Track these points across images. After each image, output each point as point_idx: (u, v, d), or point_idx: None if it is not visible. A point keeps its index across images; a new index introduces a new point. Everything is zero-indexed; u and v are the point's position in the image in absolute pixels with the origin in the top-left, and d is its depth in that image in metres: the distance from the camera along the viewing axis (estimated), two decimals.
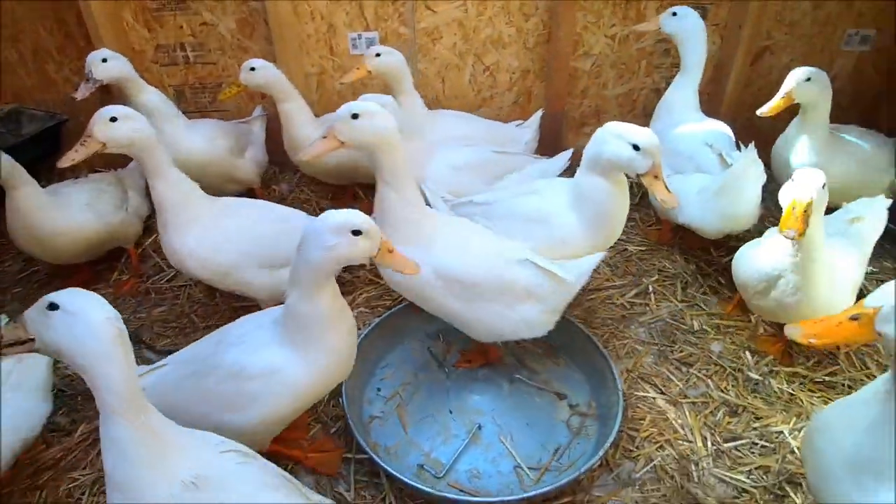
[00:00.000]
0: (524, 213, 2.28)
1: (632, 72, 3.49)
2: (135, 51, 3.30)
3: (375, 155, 1.99)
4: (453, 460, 2.05)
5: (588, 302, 2.70)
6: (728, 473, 1.97)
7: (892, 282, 1.31)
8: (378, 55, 2.73)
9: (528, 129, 3.27)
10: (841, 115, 3.55)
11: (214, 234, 2.27)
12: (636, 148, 1.93)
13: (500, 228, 2.26)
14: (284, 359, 1.72)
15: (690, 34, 2.84)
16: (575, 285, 2.09)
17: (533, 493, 1.80)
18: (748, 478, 1.96)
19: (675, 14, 2.84)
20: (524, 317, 2.08)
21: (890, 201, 2.43)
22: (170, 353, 2.35)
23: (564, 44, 3.28)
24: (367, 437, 2.07)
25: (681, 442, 2.08)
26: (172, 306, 2.77)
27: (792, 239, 1.82)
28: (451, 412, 2.23)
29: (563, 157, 2.82)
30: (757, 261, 2.16)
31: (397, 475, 1.84)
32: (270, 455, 1.96)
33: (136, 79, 2.70)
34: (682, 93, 2.93)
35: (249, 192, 3.36)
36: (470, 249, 2.08)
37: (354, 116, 1.95)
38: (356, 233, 1.59)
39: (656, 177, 1.97)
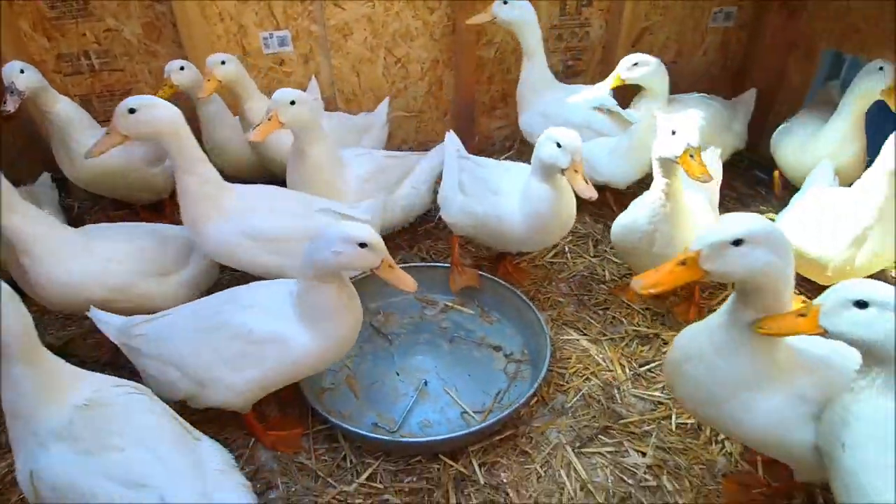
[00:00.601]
0: (488, 181, 2.53)
1: None
2: (35, 61, 3.18)
3: (164, 143, 2.10)
4: (405, 415, 2.21)
5: (514, 269, 2.94)
6: (645, 392, 2.26)
7: (708, 226, 1.52)
8: (223, 63, 2.78)
9: (379, 115, 3.46)
10: (713, 84, 4.04)
11: (99, 256, 2.18)
12: (559, 145, 2.14)
13: (470, 187, 2.58)
14: (292, 331, 1.83)
15: (522, 20, 3.04)
16: (371, 223, 2.37)
17: (480, 426, 1.99)
18: (661, 392, 2.25)
19: (505, 3, 3.03)
20: None
21: (720, 150, 2.85)
22: (106, 364, 2.36)
23: (468, 34, 3.52)
24: (321, 406, 2.18)
25: (603, 372, 2.35)
26: None
27: (705, 182, 2.05)
28: (397, 374, 2.39)
29: (438, 151, 3.02)
30: (632, 221, 2.35)
31: (353, 429, 1.98)
32: (243, 420, 2.09)
33: (48, 88, 2.66)
34: (537, 74, 3.20)
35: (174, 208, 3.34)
36: (274, 209, 2.31)
37: (132, 111, 2.04)
38: (363, 245, 1.73)
39: (576, 171, 2.14)
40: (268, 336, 1.82)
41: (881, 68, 2.65)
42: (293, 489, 2.00)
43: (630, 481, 1.93)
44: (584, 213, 3.30)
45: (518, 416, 2.17)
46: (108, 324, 2.04)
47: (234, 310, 1.90)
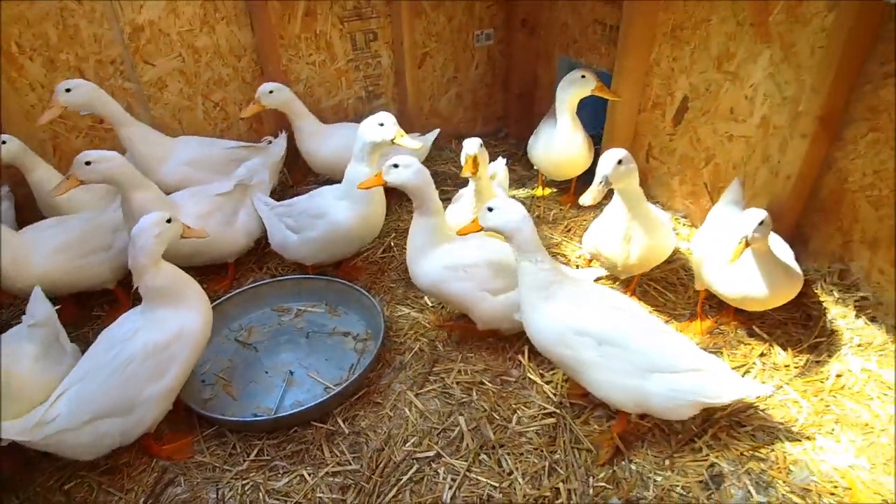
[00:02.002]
0: (310, 212, 3.15)
1: (336, 87, 4.39)
2: None
3: None
4: (278, 401, 2.72)
5: (351, 269, 3.55)
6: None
7: (488, 203, 2.35)
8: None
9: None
10: (490, 91, 4.95)
11: None
12: (381, 125, 2.90)
13: (298, 224, 3.16)
14: (180, 320, 2.34)
15: (93, 100, 3.15)
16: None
17: (337, 389, 2.58)
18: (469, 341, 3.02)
19: (68, 90, 3.08)
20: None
21: (505, 160, 3.58)
22: None
23: (276, 75, 4.03)
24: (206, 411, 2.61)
25: (429, 332, 3.06)
26: None
27: (470, 177, 2.95)
28: (266, 372, 2.89)
29: (229, 185, 3.29)
30: (461, 205, 3.20)
31: (237, 419, 2.47)
32: (141, 442, 2.44)
33: None
34: (149, 136, 3.42)
35: None
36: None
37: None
38: (168, 220, 2.35)
39: (401, 135, 2.93)
40: (170, 336, 2.31)
41: (583, 76, 3.53)
42: (196, 482, 2.42)
43: (452, 402, 2.66)
44: (402, 212, 4.00)
45: (368, 379, 2.79)
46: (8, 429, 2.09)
47: (123, 348, 2.25)
